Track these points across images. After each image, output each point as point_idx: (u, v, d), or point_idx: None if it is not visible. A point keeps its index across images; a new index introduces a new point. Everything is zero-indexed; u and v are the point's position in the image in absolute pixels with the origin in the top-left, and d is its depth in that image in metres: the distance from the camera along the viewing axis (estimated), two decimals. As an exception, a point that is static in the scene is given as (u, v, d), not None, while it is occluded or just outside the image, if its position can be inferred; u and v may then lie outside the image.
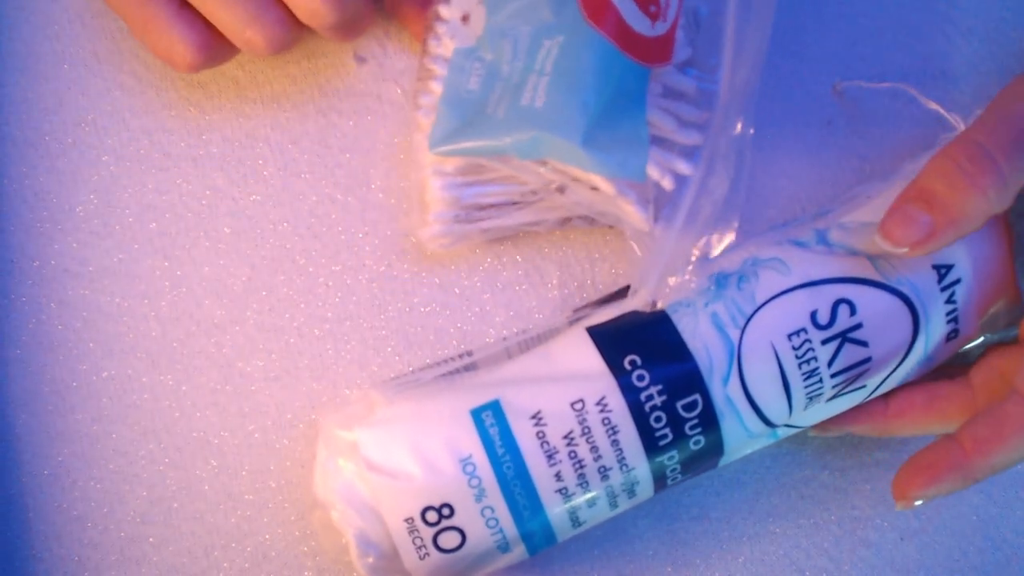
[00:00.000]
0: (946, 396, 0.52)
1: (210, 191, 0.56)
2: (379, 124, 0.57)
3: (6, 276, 0.56)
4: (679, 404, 0.47)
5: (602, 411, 0.47)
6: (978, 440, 0.47)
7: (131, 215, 0.56)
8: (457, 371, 0.51)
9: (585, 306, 0.53)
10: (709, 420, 0.48)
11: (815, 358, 0.48)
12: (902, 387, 0.52)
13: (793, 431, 0.51)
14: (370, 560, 0.48)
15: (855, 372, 0.49)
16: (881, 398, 0.52)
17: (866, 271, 0.49)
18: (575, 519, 0.49)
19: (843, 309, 0.48)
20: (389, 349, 0.56)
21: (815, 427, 0.53)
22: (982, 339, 0.54)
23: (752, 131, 0.51)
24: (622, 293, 0.53)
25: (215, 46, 0.51)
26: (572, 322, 0.52)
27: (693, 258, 0.49)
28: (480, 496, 0.47)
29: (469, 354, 0.52)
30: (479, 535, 0.47)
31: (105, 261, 0.56)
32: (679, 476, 0.49)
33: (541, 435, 0.47)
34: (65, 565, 0.54)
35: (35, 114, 0.57)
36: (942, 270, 0.50)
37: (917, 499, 0.49)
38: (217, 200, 0.56)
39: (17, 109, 0.57)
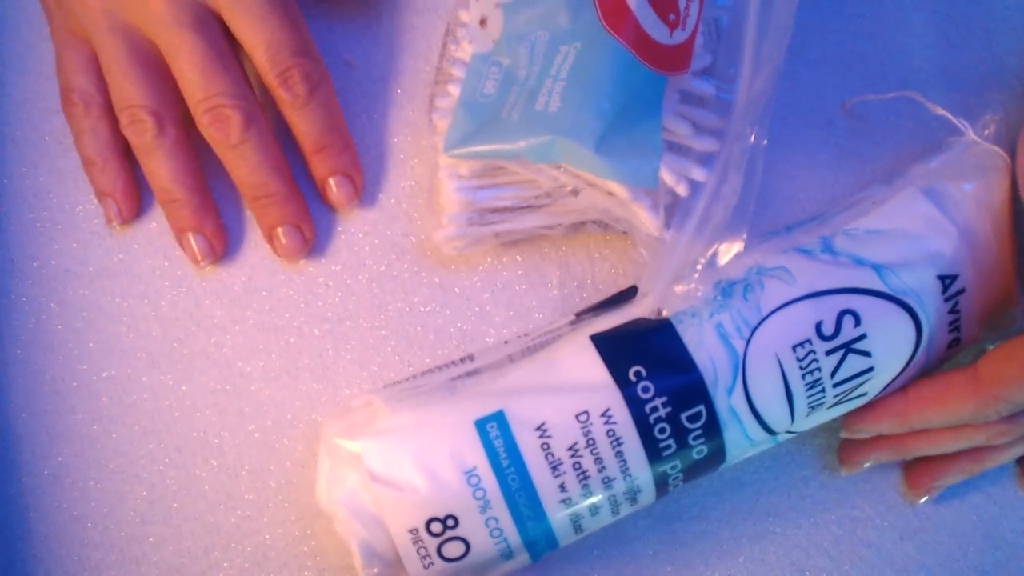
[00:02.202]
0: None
1: (210, 191, 0.56)
2: (377, 124, 0.57)
3: (6, 276, 0.55)
4: (683, 415, 0.47)
5: (607, 423, 0.47)
6: (919, 397, 0.51)
7: (131, 215, 0.56)
8: (459, 377, 0.51)
9: (588, 309, 0.53)
10: (712, 430, 0.48)
11: (819, 369, 0.48)
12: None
13: (792, 435, 0.51)
14: (375, 571, 0.47)
15: (857, 381, 0.49)
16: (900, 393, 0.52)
17: (871, 281, 0.49)
18: (578, 526, 0.49)
19: (848, 320, 0.48)
20: (389, 349, 0.56)
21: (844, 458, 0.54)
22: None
23: (766, 142, 0.50)
24: (627, 294, 0.52)
25: None
26: (575, 326, 0.51)
27: (699, 266, 0.49)
28: (485, 507, 0.47)
29: (471, 358, 0.52)
30: (483, 544, 0.47)
31: (105, 261, 0.56)
32: (681, 482, 0.49)
33: (546, 447, 0.47)
34: (65, 565, 0.54)
35: (35, 114, 0.56)
36: (947, 280, 0.50)
37: (859, 432, 0.53)
38: (217, 200, 0.56)
39: (17, 109, 0.56)
